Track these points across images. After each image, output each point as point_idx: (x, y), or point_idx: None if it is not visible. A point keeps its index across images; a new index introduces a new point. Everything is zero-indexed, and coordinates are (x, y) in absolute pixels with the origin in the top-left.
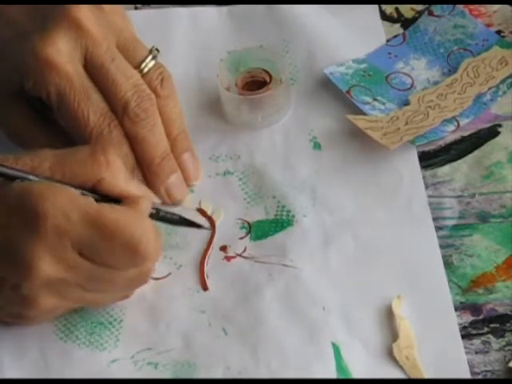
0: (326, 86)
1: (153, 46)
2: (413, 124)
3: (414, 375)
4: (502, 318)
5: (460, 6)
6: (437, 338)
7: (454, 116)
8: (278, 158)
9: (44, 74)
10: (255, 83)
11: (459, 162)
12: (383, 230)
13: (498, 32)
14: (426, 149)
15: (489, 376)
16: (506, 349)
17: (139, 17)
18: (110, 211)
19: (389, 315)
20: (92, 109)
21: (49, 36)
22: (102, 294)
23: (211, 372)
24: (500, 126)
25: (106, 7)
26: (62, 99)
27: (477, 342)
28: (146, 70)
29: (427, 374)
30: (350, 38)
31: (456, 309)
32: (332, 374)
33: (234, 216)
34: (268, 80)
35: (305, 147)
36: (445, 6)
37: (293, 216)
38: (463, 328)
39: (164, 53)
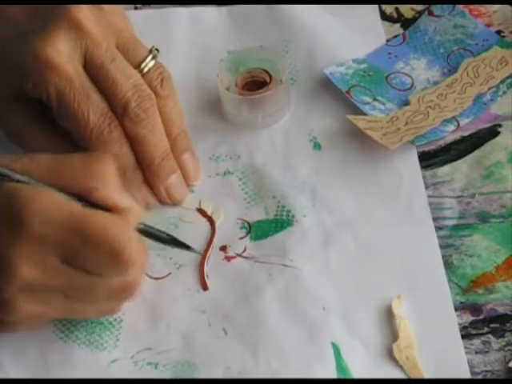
0: (326, 86)
1: (152, 46)
2: (413, 124)
3: (414, 375)
4: (502, 318)
5: (460, 6)
6: (437, 338)
7: (454, 116)
8: (278, 158)
9: (44, 74)
10: (255, 83)
11: (459, 161)
12: (383, 229)
13: (498, 32)
14: (426, 149)
15: (489, 376)
16: (506, 349)
17: (139, 17)
18: (93, 216)
19: (389, 315)
20: (92, 109)
21: (48, 36)
22: (85, 304)
23: (211, 372)
24: (500, 126)
25: (106, 7)
26: (62, 99)
27: (477, 341)
28: (145, 70)
29: (427, 374)
30: (350, 38)
31: (456, 309)
32: (332, 374)
33: (234, 216)
34: (268, 80)
35: (305, 147)
36: (445, 6)
37: (293, 216)
38: (463, 328)
39: (164, 53)
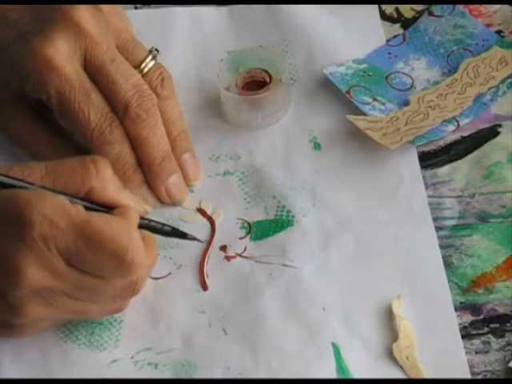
0: (326, 86)
1: (152, 47)
2: (413, 124)
3: (414, 375)
4: (502, 318)
5: (460, 6)
6: (437, 338)
7: (454, 116)
8: (278, 158)
9: (44, 75)
10: (255, 83)
11: (459, 162)
12: (383, 230)
13: (498, 32)
14: (426, 149)
15: (489, 376)
16: (506, 349)
17: (139, 17)
18: (97, 220)
19: (389, 315)
20: (93, 109)
21: (48, 37)
22: (91, 305)
23: (211, 372)
24: (500, 126)
25: (105, 8)
26: (63, 100)
27: (477, 341)
28: (145, 70)
29: (427, 374)
30: (350, 38)
31: (456, 309)
32: (332, 374)
33: (234, 216)
34: (268, 80)
35: (305, 147)
36: (445, 6)
37: (293, 216)
38: (463, 328)
39: (164, 53)
